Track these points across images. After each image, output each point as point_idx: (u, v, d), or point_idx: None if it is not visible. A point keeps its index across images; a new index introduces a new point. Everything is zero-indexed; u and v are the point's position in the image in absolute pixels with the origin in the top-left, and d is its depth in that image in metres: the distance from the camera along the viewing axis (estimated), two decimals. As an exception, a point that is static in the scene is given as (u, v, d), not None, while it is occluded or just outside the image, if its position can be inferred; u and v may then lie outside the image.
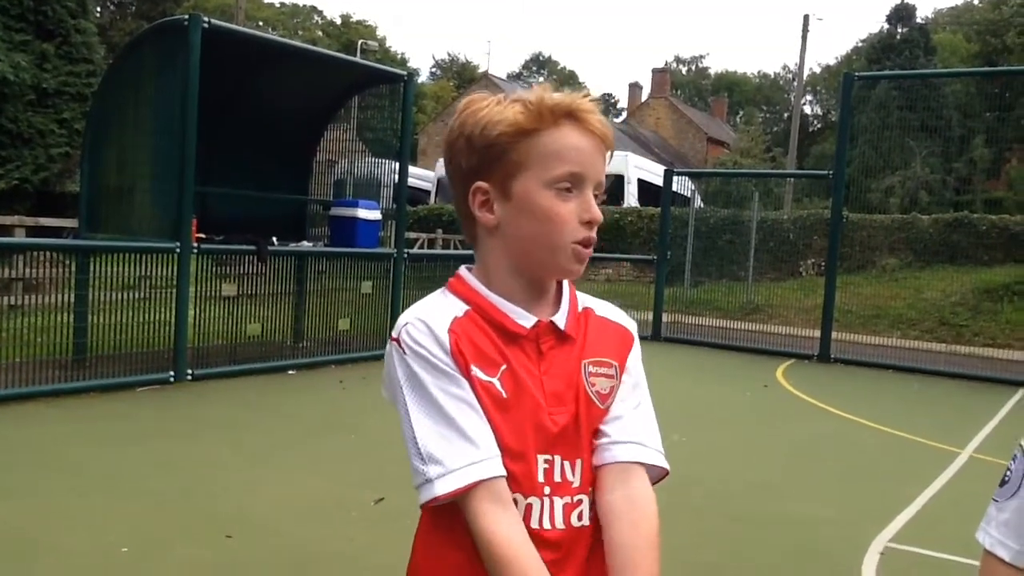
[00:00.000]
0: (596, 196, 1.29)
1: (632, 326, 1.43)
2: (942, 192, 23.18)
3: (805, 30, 31.36)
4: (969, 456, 6.76)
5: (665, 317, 12.92)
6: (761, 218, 16.83)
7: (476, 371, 1.23)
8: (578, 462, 1.28)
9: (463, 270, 1.34)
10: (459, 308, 1.28)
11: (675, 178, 14.69)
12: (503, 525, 1.19)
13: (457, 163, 1.30)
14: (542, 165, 1.25)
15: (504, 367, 1.25)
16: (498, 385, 1.24)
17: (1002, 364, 10.56)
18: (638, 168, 22.38)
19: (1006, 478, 1.34)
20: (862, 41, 38.49)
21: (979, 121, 24.86)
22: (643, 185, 21.64)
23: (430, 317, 1.26)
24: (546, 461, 1.25)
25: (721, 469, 6.04)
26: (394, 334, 1.27)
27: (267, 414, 6.90)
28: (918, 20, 33.21)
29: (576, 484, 1.27)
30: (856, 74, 12.77)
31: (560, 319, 1.31)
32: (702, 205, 17.97)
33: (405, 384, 1.24)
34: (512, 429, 1.22)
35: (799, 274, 16.46)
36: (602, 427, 1.32)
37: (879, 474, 6.16)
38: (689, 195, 15.25)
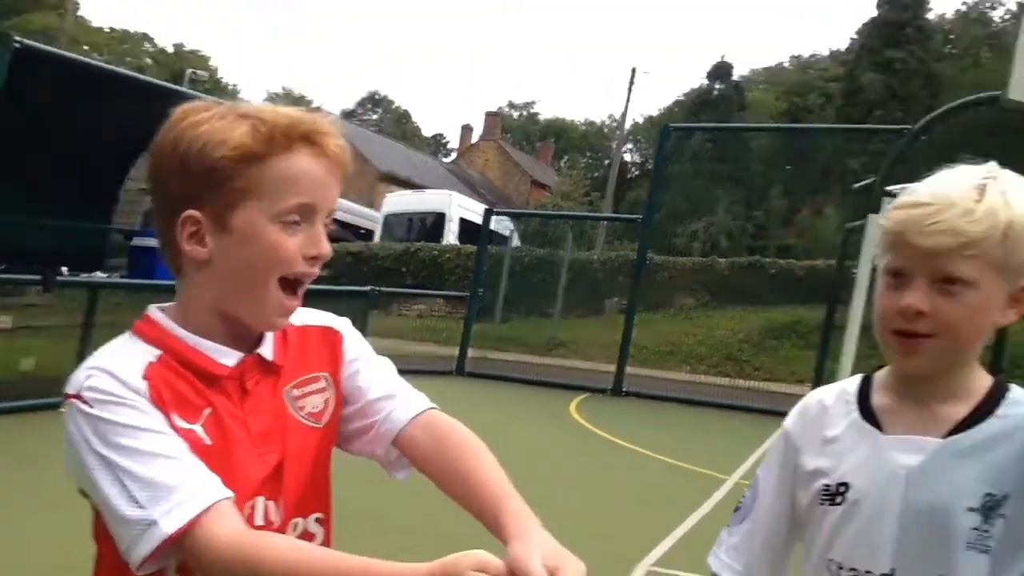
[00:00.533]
0: (325, 226, 1.15)
1: (338, 322, 1.32)
2: (741, 238, 24.71)
3: (631, 82, 32.99)
4: (735, 483, 7.13)
5: (472, 352, 13.04)
6: (573, 258, 17.37)
7: (176, 419, 1.08)
8: (280, 500, 1.16)
9: (152, 310, 1.17)
10: (151, 353, 1.11)
11: (494, 217, 14.99)
12: (269, 536, 1.07)
13: (165, 185, 1.12)
14: (270, 195, 1.09)
15: (208, 411, 1.11)
16: (200, 432, 1.10)
17: (776, 397, 11.27)
18: (461, 207, 22.65)
19: (739, 505, 1.35)
20: (684, 95, 40.71)
21: (778, 173, 26.74)
22: (465, 224, 21.91)
23: (116, 366, 1.09)
24: (250, 506, 1.12)
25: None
26: (70, 390, 1.08)
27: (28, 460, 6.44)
28: (734, 78, 35.50)
29: (277, 523, 1.16)
30: (672, 125, 13.51)
31: (267, 349, 1.18)
32: (519, 244, 18.40)
33: (95, 438, 1.05)
34: (222, 479, 1.07)
35: (603, 311, 17.06)
36: (371, 416, 1.27)
37: (653, 501, 6.42)
38: (508, 234, 15.56)
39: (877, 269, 1.22)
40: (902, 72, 28.06)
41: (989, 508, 1.13)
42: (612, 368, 12.19)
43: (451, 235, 21.97)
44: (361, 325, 11.84)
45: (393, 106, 68.53)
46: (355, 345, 1.32)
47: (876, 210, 10.77)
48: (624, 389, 11.88)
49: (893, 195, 10.74)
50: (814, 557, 1.26)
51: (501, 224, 15.53)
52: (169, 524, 1.02)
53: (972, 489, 1.13)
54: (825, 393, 1.32)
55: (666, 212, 23.62)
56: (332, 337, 1.30)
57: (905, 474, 1.17)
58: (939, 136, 26.40)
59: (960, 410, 1.18)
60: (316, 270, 1.15)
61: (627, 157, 46.46)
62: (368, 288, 12.69)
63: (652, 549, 5.08)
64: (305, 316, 1.26)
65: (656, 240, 22.02)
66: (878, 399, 1.24)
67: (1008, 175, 1.19)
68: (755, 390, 12.12)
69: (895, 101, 27.05)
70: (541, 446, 8.40)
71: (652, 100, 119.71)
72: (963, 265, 1.12)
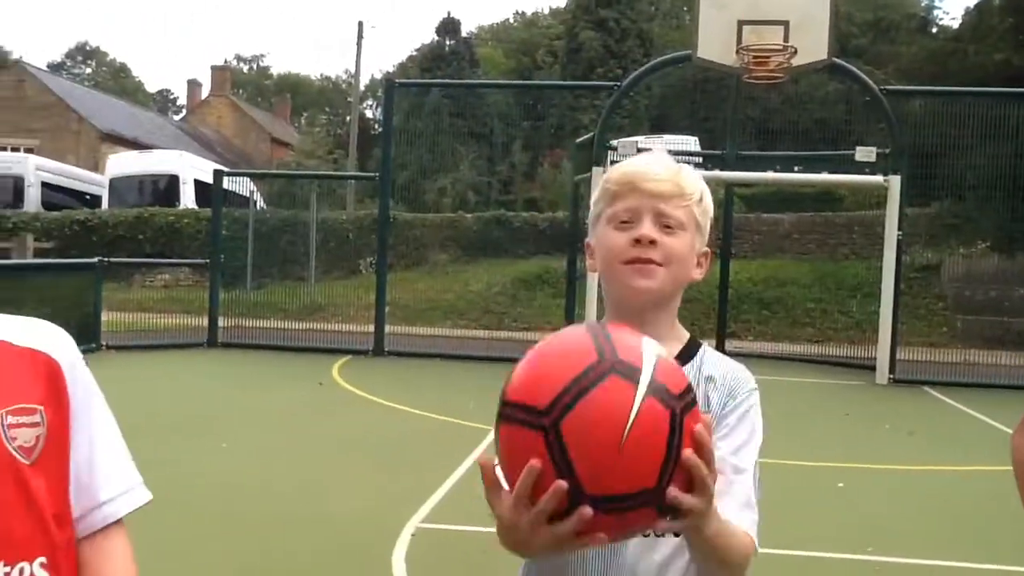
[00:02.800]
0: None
1: (58, 348, 1.20)
2: (488, 193, 25.33)
3: (360, 36, 32.47)
4: (501, 432, 7.41)
5: (223, 322, 12.51)
6: (322, 219, 17.04)
7: None
8: (22, 565, 1.02)
9: None
10: None
11: (230, 178, 14.34)
12: None
13: None
14: None
15: None
16: None
17: (533, 345, 11.77)
18: (194, 168, 21.47)
19: None
20: (416, 51, 40.63)
21: (518, 129, 27.54)
22: (201, 186, 20.80)
23: None
24: None
25: (267, 472, 5.96)
26: None
27: None
28: (463, 34, 35.88)
29: None
30: (397, 81, 13.46)
31: None
32: (263, 206, 17.74)
33: None
34: None
35: (359, 272, 16.93)
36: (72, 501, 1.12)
37: (419, 459, 6.50)
38: (248, 196, 14.95)
39: (599, 217, 1.43)
40: (616, 31, 29.65)
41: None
42: (371, 328, 12.17)
43: (187, 198, 20.82)
44: (93, 300, 11.10)
45: (108, 59, 63.28)
46: (78, 382, 1.20)
47: (599, 163, 11.50)
48: (386, 349, 11.92)
49: (613, 148, 11.52)
50: None
51: (241, 185, 14.90)
52: None
53: None
54: None
55: (414, 169, 23.73)
56: (49, 366, 1.16)
57: None
58: (656, 92, 28.36)
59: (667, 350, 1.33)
60: None
61: (368, 114, 45.93)
62: (96, 260, 11.78)
63: (420, 506, 5.17)
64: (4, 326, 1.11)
65: (406, 198, 22.17)
66: None
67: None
68: (514, 340, 12.56)
69: (614, 59, 28.57)
70: (304, 412, 8.28)
71: (388, 56, 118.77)
72: (678, 212, 1.39)
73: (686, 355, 1.40)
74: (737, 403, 1.37)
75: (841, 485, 6.17)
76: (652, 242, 1.36)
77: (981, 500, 6.12)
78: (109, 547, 1.18)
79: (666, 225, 1.38)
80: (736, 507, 1.28)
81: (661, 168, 1.41)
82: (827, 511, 5.64)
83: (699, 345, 1.44)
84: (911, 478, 6.64)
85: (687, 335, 1.45)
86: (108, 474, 1.22)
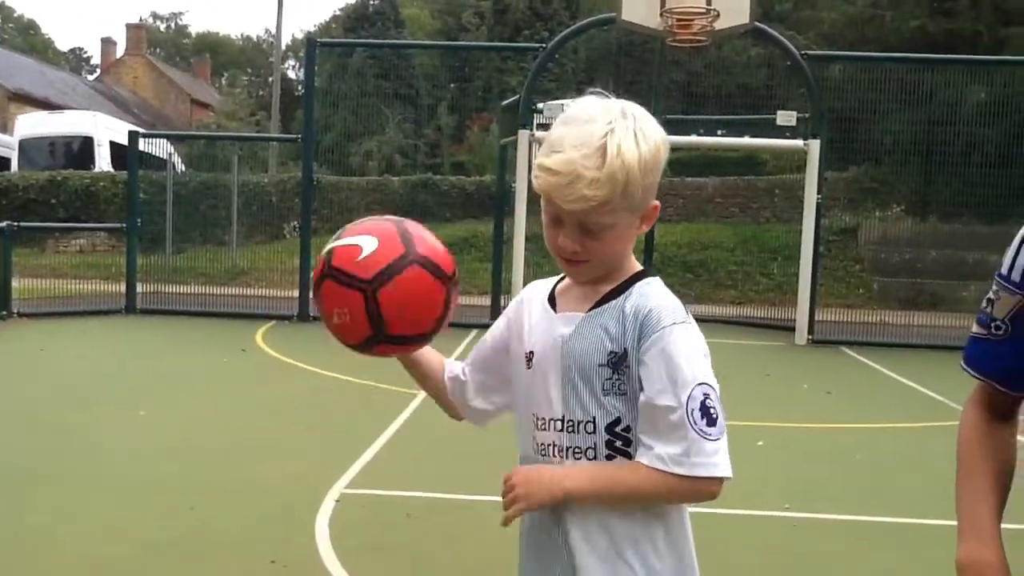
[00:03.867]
0: None
1: None
2: (415, 156, 25.05)
3: (280, -8, 31.51)
4: (425, 395, 7.36)
5: (142, 287, 12.16)
6: (243, 182, 16.64)
7: None
8: None
9: None
10: None
11: (147, 140, 13.87)
12: None
13: None
14: None
15: None
16: None
17: (460, 310, 11.70)
18: (109, 129, 20.73)
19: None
20: (340, 10, 39.76)
21: (445, 91, 27.22)
22: (117, 148, 20.09)
23: None
24: None
25: (188, 439, 5.84)
26: None
27: None
28: (388, -7, 35.14)
29: None
30: (317, 40, 13.15)
31: None
32: (183, 169, 17.23)
33: None
34: None
35: (283, 236, 16.63)
36: None
37: (344, 425, 6.45)
38: (167, 158, 14.50)
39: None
40: (543, -7, 29.37)
41: (615, 363, 1.43)
42: (295, 294, 11.98)
43: (103, 161, 20.14)
44: (2, 266, 10.67)
45: (15, 15, 60.52)
46: None
47: (525, 126, 11.47)
48: (311, 314, 11.75)
49: (539, 111, 11.48)
50: (521, 411, 1.57)
51: (159, 147, 14.45)
52: None
53: (596, 350, 1.44)
54: (534, 286, 1.63)
55: (338, 132, 23.30)
56: None
57: (561, 341, 1.48)
58: (582, 55, 28.34)
59: (606, 289, 1.48)
60: None
61: (292, 75, 44.88)
62: (4, 224, 11.32)
63: (345, 471, 5.13)
64: None
65: (331, 161, 21.79)
66: (560, 288, 1.56)
67: (628, 117, 1.40)
68: (440, 305, 12.50)
69: (540, 21, 28.36)
70: (226, 378, 8.14)
71: (311, 15, 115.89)
72: (599, 217, 1.40)
73: (617, 292, 1.47)
74: (651, 343, 1.40)
75: (761, 443, 6.32)
76: (573, 252, 1.44)
77: (895, 456, 6.34)
78: None
79: (591, 229, 1.41)
80: (653, 455, 1.39)
81: (574, 178, 1.36)
82: (747, 469, 5.75)
83: (636, 281, 1.48)
84: (829, 436, 6.84)
85: (631, 270, 1.51)
86: None
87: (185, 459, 5.37)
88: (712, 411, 1.39)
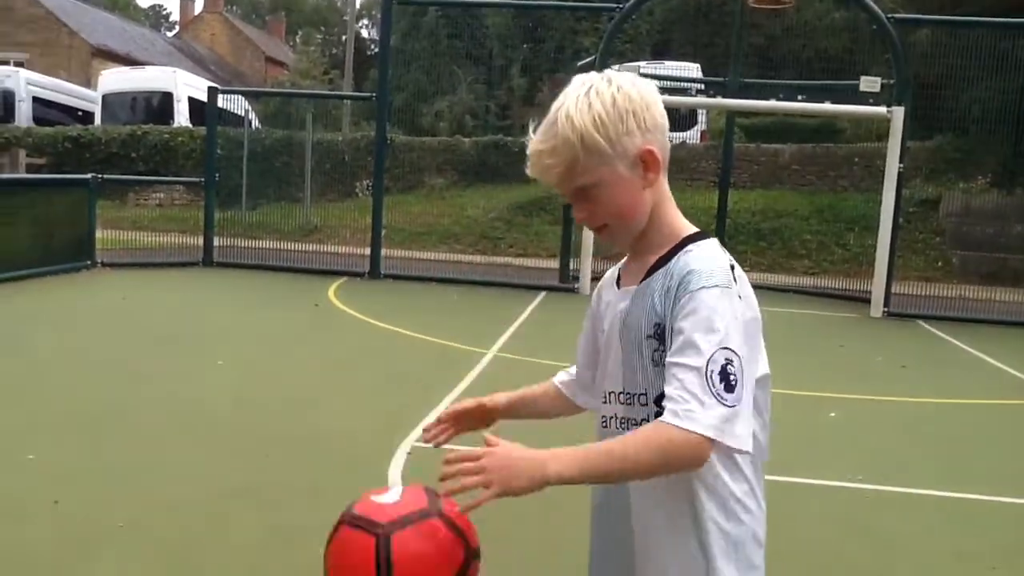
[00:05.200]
0: None
1: None
2: (486, 117, 24.98)
3: (358, -49, 31.54)
4: (494, 355, 7.43)
5: (218, 241, 12.44)
6: (317, 140, 16.82)
7: None
8: None
9: None
10: None
11: (225, 97, 14.10)
12: None
13: None
14: None
15: None
16: None
17: (529, 272, 11.76)
18: (188, 85, 21.08)
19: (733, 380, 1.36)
20: (414, -31, 39.61)
21: (517, 52, 27.01)
22: (195, 104, 20.47)
23: None
24: None
25: (263, 390, 5.99)
26: None
27: None
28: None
29: None
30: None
31: None
32: (259, 126, 17.49)
33: None
34: None
35: (355, 195, 16.79)
36: None
37: (414, 380, 6.52)
38: (243, 115, 14.74)
39: None
40: (620, -50, 28.84)
41: (660, 334, 1.42)
42: (367, 251, 12.13)
43: (181, 116, 20.53)
44: (87, 217, 11.01)
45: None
46: None
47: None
48: (382, 272, 11.90)
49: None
50: (598, 388, 1.60)
51: (235, 104, 14.66)
52: None
53: (645, 322, 1.45)
54: (606, 274, 1.65)
55: (410, 91, 23.33)
56: None
57: (621, 316, 1.51)
58: (658, 16, 27.79)
59: (653, 259, 1.48)
60: None
61: (365, 34, 45.06)
62: (89, 176, 11.64)
63: (416, 425, 5.20)
64: None
65: (403, 120, 21.86)
66: (623, 266, 1.58)
67: (586, 83, 1.46)
68: (510, 266, 12.55)
69: (622, -22, 27.84)
70: (300, 332, 8.29)
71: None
72: (579, 180, 1.45)
73: (665, 260, 1.47)
74: (681, 306, 1.39)
75: (833, 415, 6.23)
76: (583, 223, 1.51)
77: (971, 432, 6.19)
78: None
79: (583, 193, 1.46)
80: (668, 413, 1.33)
81: (536, 155, 1.46)
82: (819, 440, 5.70)
83: (683, 247, 1.47)
84: (903, 409, 6.70)
85: (681, 235, 1.49)
86: None
87: (260, 408, 5.51)
88: (732, 378, 1.33)
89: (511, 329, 8.73)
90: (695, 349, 1.34)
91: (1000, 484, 4.89)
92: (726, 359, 1.34)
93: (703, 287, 1.37)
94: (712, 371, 1.33)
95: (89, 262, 11.11)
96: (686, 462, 1.33)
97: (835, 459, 5.20)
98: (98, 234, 11.54)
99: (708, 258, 1.42)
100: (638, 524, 1.49)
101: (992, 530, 4.28)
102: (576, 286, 11.32)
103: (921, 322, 10.96)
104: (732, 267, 1.42)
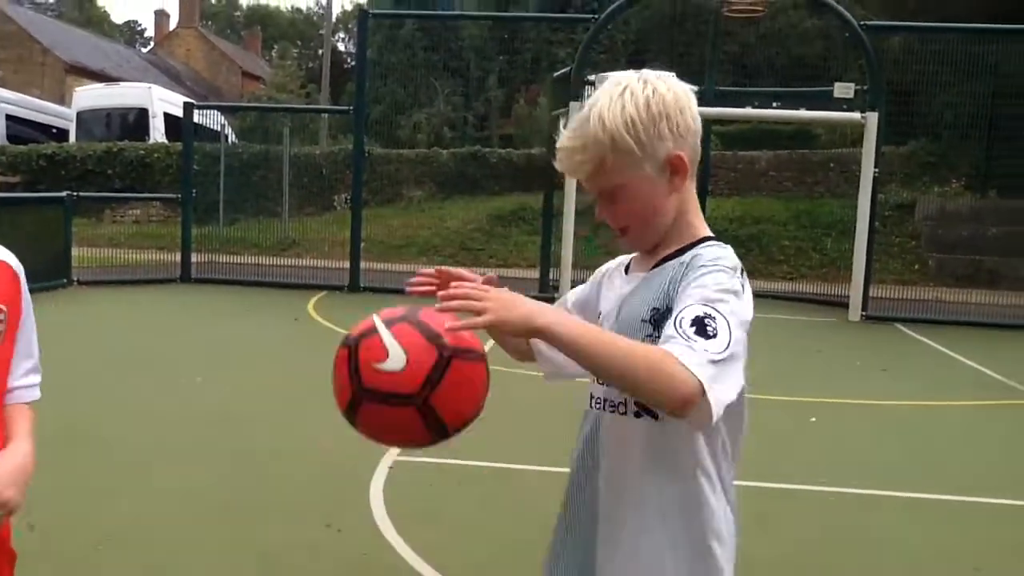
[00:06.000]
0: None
1: (14, 260, 1.52)
2: (464, 128, 25.01)
3: (332, -35, 31.63)
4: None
5: (196, 257, 12.36)
6: (295, 154, 16.78)
7: None
8: None
9: None
10: None
11: (201, 112, 14.05)
12: None
13: None
14: None
15: None
16: None
17: (509, 283, 11.65)
18: (163, 101, 21.00)
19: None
20: (389, -19, 39.65)
21: (494, 63, 27.07)
22: (171, 120, 20.38)
23: None
24: None
25: (243, 405, 5.94)
26: None
27: None
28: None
29: None
30: (371, 11, 13.14)
31: None
32: (235, 141, 17.43)
33: None
34: None
35: (334, 208, 16.76)
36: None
37: (396, 393, 6.48)
38: (220, 130, 14.69)
39: None
40: (594, -38, 29.00)
41: (656, 320, 1.43)
42: (346, 264, 12.09)
43: (157, 132, 20.44)
44: (63, 235, 10.90)
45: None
46: (27, 299, 1.57)
47: (576, 98, 11.35)
48: (362, 285, 11.86)
49: (591, 83, 11.37)
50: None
51: (212, 119, 14.62)
52: None
53: (643, 307, 1.47)
54: (618, 259, 1.67)
55: (388, 104, 23.33)
56: (12, 275, 1.53)
57: (621, 299, 1.54)
58: (634, 26, 27.97)
59: (666, 252, 1.51)
60: None
61: (341, 47, 45.02)
62: (64, 193, 11.55)
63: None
64: None
65: (381, 133, 21.85)
66: (635, 255, 1.60)
67: (621, 84, 1.46)
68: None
69: (593, -10, 27.97)
70: (280, 347, 8.24)
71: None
72: (606, 180, 1.46)
73: (678, 254, 1.49)
74: (690, 280, 1.40)
75: (814, 419, 6.25)
76: (605, 222, 1.52)
77: (951, 434, 6.23)
78: (16, 414, 1.62)
79: (610, 194, 1.48)
80: (677, 347, 1.30)
81: (566, 152, 1.47)
82: (801, 444, 5.72)
83: (700, 243, 1.49)
84: (882, 412, 6.74)
85: (696, 236, 1.51)
86: (27, 368, 1.66)
87: (240, 424, 5.47)
88: (710, 328, 1.31)
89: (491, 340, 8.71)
90: (691, 309, 1.34)
91: (981, 484, 4.92)
92: (706, 313, 1.33)
93: (714, 268, 1.40)
94: (684, 318, 1.34)
95: (66, 280, 11.01)
96: (660, 396, 1.29)
97: (816, 463, 5.22)
98: (74, 252, 11.44)
99: (722, 254, 1.45)
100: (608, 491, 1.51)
101: (974, 530, 4.31)
102: (556, 296, 11.30)
103: (899, 325, 11.04)
104: (741, 271, 1.44)
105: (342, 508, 4.14)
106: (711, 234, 1.52)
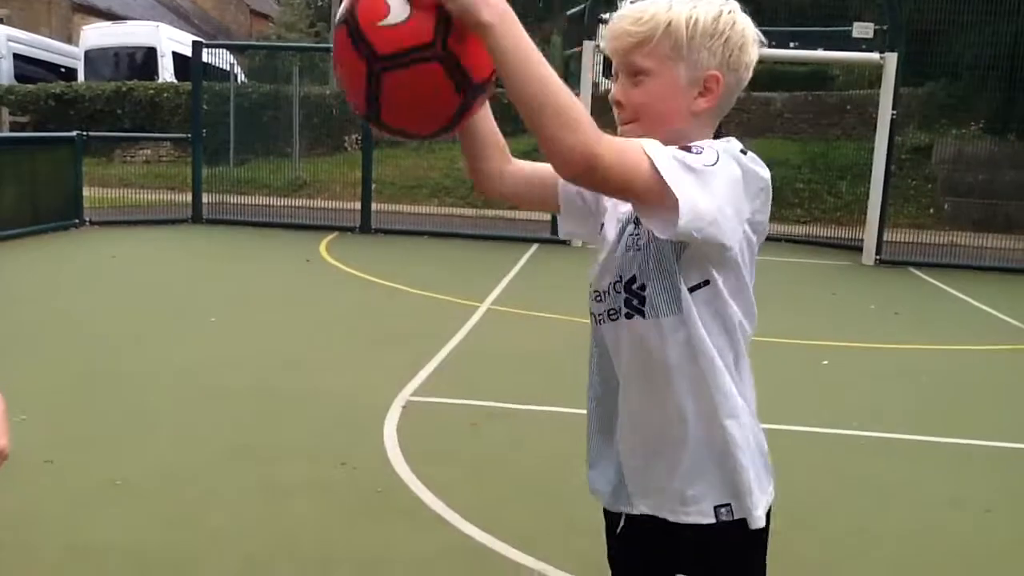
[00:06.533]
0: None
1: None
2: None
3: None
4: (487, 308, 7.41)
5: (207, 198, 12.32)
6: (304, 94, 16.59)
7: None
8: None
9: None
10: None
11: (209, 51, 13.88)
12: None
13: None
14: None
15: None
16: None
17: (520, 224, 11.70)
18: (172, 40, 20.76)
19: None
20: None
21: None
22: (180, 59, 20.17)
23: None
24: None
25: (257, 346, 5.97)
26: None
27: None
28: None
29: None
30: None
31: None
32: (245, 80, 17.25)
33: None
34: None
35: (344, 149, 16.62)
36: None
37: (408, 335, 6.51)
38: (229, 70, 14.53)
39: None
40: None
41: (637, 218, 1.45)
42: (358, 206, 12.04)
43: (166, 72, 20.25)
44: (74, 175, 10.89)
45: (78, -76, 60.36)
46: None
47: (590, 36, 11.15)
48: (373, 226, 11.82)
49: (605, 21, 11.16)
50: (592, 284, 1.57)
51: (220, 58, 14.44)
52: None
53: (630, 209, 1.47)
54: None
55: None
56: None
57: (620, 211, 1.54)
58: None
59: None
60: None
61: (350, -16, 44.21)
62: (74, 133, 11.48)
63: (410, 380, 5.20)
64: None
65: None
66: None
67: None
68: (500, 219, 12.46)
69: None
70: (292, 287, 8.25)
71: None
72: (640, 59, 1.42)
73: None
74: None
75: (826, 362, 6.25)
76: (618, 103, 1.46)
77: (963, 378, 6.22)
78: None
79: (633, 72, 1.44)
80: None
81: (624, 16, 1.44)
82: (812, 387, 5.72)
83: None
84: (895, 356, 6.73)
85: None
86: None
87: (254, 367, 5.49)
88: (694, 149, 1.33)
89: (504, 282, 8.70)
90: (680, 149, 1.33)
91: (993, 429, 4.93)
92: (684, 153, 1.32)
93: (702, 146, 1.36)
94: (696, 148, 1.33)
95: (77, 221, 11.00)
96: (567, 144, 1.26)
97: (828, 407, 5.23)
98: (85, 192, 11.41)
99: (724, 140, 1.42)
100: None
101: (986, 474, 4.32)
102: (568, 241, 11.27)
103: (913, 269, 10.97)
104: (743, 151, 1.40)
105: (356, 447, 4.17)
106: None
